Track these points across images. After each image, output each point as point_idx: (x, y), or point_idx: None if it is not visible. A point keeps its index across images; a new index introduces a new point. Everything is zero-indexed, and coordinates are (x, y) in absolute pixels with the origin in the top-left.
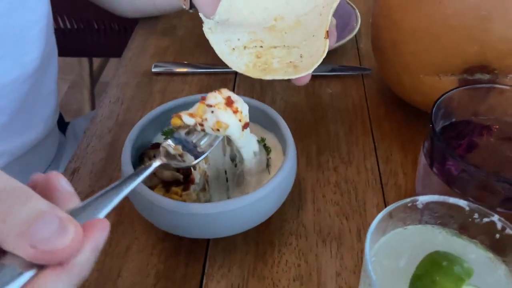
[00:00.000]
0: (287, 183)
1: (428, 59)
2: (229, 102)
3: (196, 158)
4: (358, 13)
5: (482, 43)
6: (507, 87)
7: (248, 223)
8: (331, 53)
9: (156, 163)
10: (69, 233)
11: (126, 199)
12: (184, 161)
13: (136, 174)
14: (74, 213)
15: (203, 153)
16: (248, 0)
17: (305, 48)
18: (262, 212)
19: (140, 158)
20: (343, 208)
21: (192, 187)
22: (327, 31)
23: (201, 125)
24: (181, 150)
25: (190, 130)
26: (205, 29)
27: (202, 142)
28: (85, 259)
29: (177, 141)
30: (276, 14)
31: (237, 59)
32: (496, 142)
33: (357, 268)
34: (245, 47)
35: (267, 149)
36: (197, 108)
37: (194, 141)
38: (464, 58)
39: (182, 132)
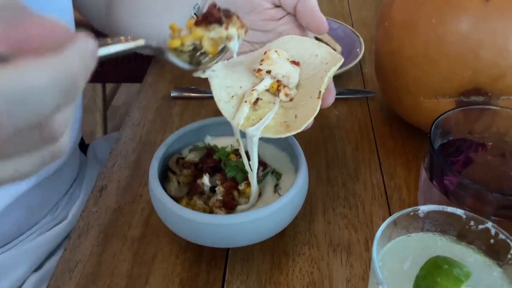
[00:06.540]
0: (300, 196)
1: (427, 83)
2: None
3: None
4: (362, 40)
5: (475, 69)
6: (499, 108)
7: (265, 233)
8: (338, 78)
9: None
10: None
11: (152, 213)
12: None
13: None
14: None
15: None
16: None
17: (301, 109)
18: (277, 224)
19: (164, 174)
20: (352, 220)
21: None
22: (320, 91)
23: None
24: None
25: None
26: (209, 72)
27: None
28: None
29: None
30: None
31: (233, 109)
32: (490, 157)
33: (366, 274)
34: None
35: (277, 175)
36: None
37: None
38: (459, 82)
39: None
